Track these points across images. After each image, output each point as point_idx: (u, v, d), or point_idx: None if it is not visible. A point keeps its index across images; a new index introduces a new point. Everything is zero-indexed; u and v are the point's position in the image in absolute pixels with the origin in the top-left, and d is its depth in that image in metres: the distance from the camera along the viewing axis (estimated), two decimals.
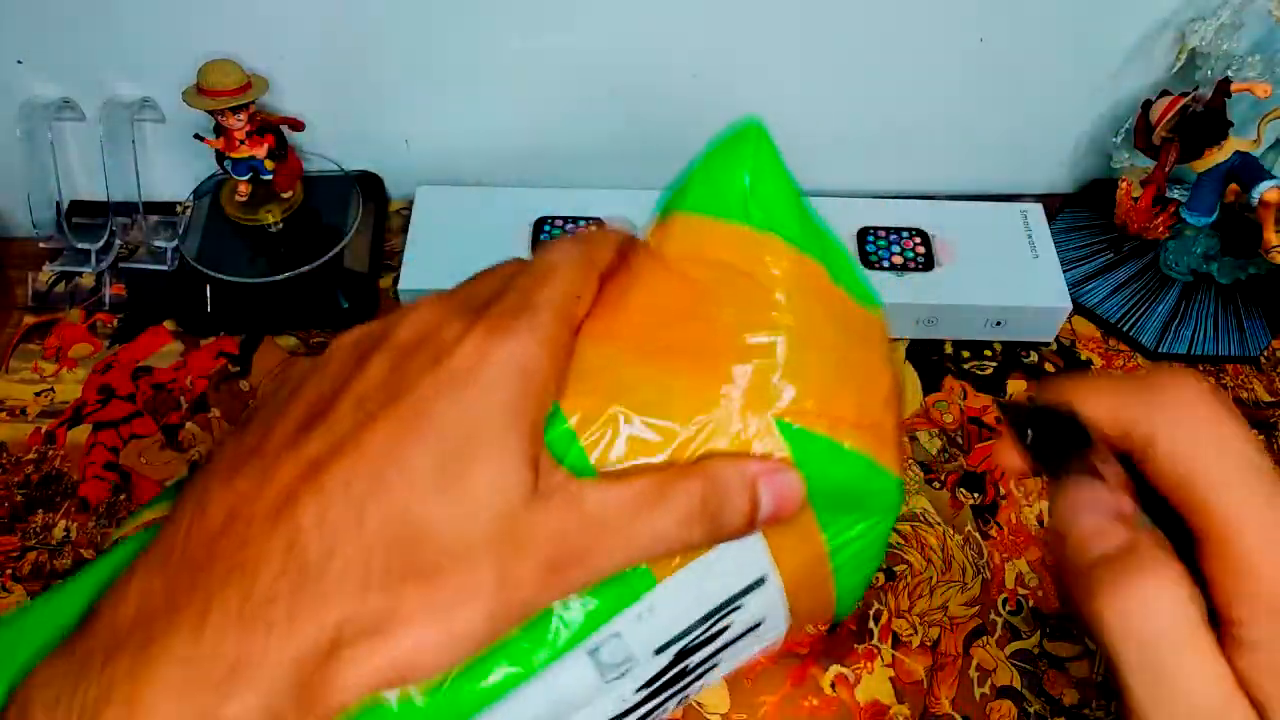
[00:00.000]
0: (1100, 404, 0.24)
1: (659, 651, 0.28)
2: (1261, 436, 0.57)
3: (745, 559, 0.28)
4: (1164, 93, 0.57)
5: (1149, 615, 0.22)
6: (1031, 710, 0.46)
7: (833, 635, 0.48)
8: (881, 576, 0.50)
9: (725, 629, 0.29)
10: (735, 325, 0.27)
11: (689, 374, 0.27)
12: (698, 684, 0.31)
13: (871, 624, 0.48)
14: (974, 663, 0.48)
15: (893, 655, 0.47)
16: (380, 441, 0.24)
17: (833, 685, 0.46)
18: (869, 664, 0.47)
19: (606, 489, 0.25)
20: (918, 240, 0.60)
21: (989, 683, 0.47)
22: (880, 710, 0.46)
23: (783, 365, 0.27)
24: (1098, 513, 0.24)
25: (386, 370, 0.25)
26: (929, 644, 0.48)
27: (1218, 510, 0.22)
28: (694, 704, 0.45)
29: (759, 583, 0.29)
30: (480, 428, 0.24)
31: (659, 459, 0.26)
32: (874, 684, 0.46)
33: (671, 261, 0.29)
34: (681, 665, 0.29)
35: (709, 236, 0.29)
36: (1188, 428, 0.23)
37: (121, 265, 0.61)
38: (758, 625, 0.30)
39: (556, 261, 0.29)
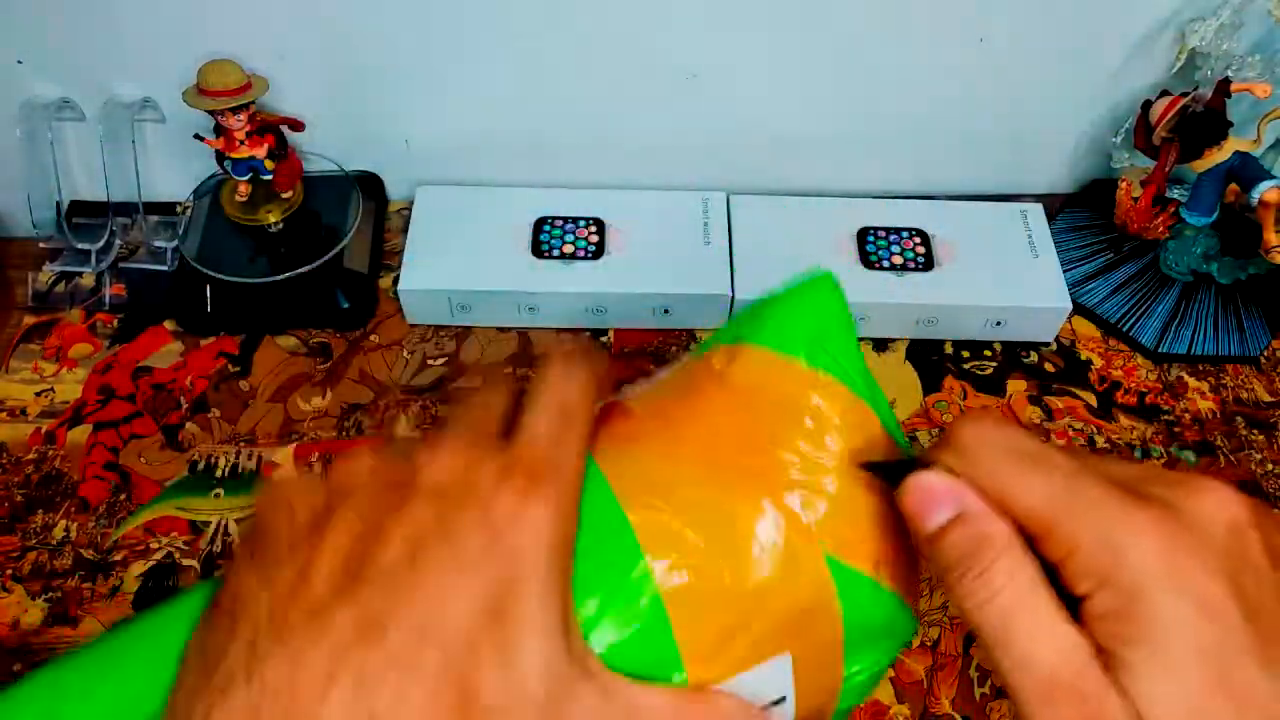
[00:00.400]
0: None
1: None
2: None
3: (774, 679, 0.29)
4: (1164, 93, 0.57)
5: (997, 591, 0.24)
6: None
7: None
8: None
9: None
10: (791, 458, 0.28)
11: (747, 499, 0.28)
12: None
13: None
14: (974, 663, 0.48)
15: None
16: (431, 603, 0.22)
17: None
18: None
19: (646, 690, 0.25)
20: (918, 240, 0.60)
21: (989, 683, 0.47)
22: (880, 710, 0.46)
23: (832, 503, 0.28)
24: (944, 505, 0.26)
25: (431, 518, 0.24)
26: (929, 644, 0.48)
27: (1023, 505, 0.24)
28: None
29: (778, 702, 0.29)
30: (526, 591, 0.23)
31: (715, 582, 0.27)
32: None
33: (737, 389, 0.30)
34: None
35: (775, 371, 0.30)
36: (971, 454, 0.26)
37: (121, 265, 0.61)
38: None
39: (574, 405, 0.27)
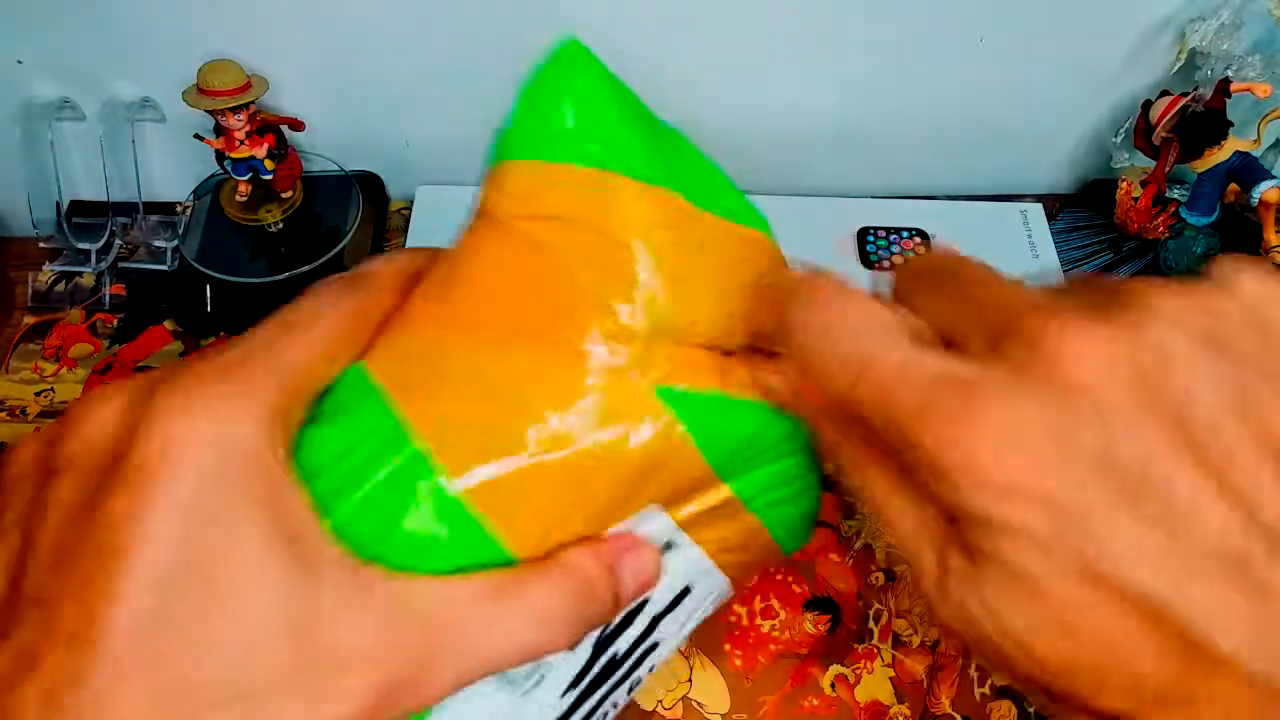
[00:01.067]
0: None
1: (571, 647, 0.25)
2: None
3: (646, 532, 0.26)
4: (1164, 93, 0.57)
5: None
6: (1031, 710, 0.46)
7: (833, 636, 0.48)
8: (882, 576, 0.50)
9: (643, 604, 0.27)
10: (590, 290, 0.24)
11: (548, 359, 0.23)
12: (644, 666, 0.29)
13: (871, 624, 0.48)
14: (974, 663, 0.48)
15: (893, 655, 0.47)
16: (80, 621, 0.18)
17: (833, 685, 0.46)
18: (869, 664, 0.47)
19: (440, 585, 0.21)
20: (918, 240, 0.60)
21: (989, 683, 0.47)
22: (880, 710, 0.46)
23: (651, 326, 0.24)
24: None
25: (73, 500, 0.19)
26: (929, 644, 0.48)
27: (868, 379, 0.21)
28: (694, 704, 0.45)
29: (667, 548, 0.27)
30: (204, 544, 0.19)
31: (525, 462, 0.23)
32: (874, 684, 0.46)
33: (507, 221, 0.25)
34: (609, 654, 0.27)
35: (544, 185, 0.25)
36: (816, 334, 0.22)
37: (121, 265, 0.61)
38: (686, 591, 0.28)
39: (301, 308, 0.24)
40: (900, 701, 0.46)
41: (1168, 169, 0.58)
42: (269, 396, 0.21)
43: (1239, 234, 0.60)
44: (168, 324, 0.59)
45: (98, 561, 0.18)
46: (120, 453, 0.19)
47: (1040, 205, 0.63)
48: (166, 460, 0.19)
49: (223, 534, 0.19)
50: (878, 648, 0.48)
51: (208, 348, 0.24)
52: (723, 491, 0.27)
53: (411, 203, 0.61)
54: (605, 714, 0.28)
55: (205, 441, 0.19)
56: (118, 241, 0.61)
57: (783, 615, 0.48)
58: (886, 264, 0.59)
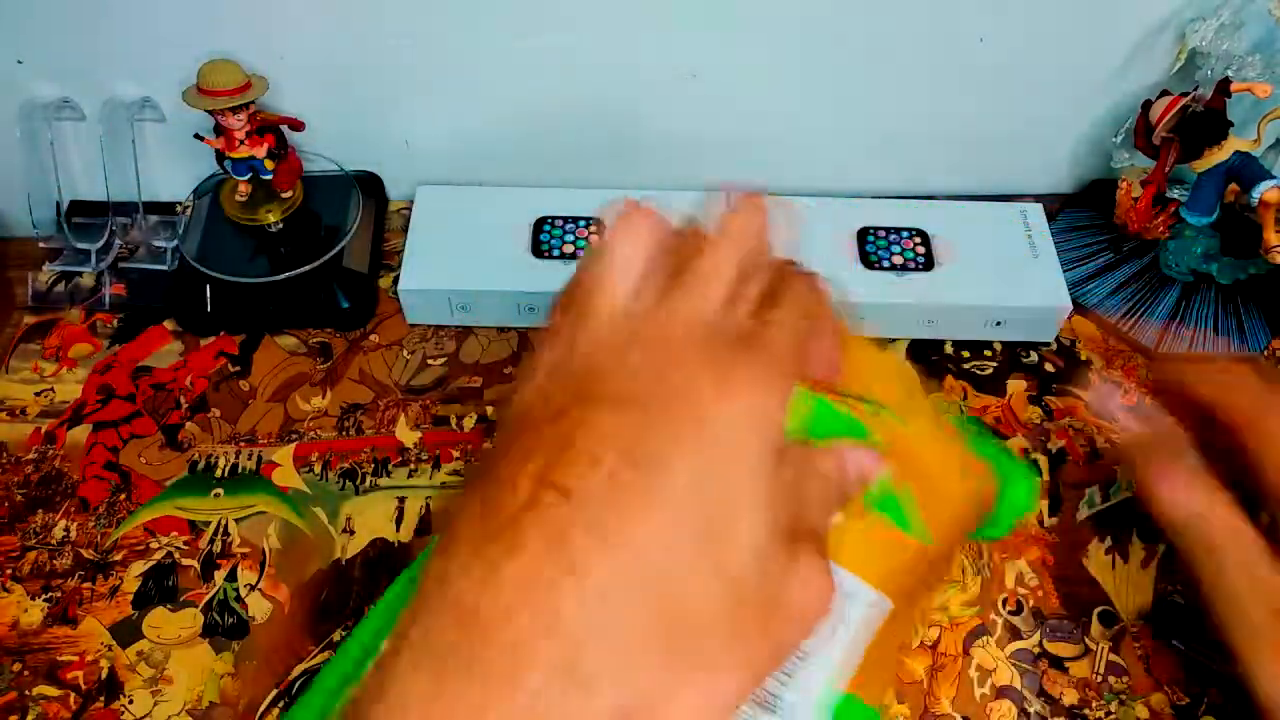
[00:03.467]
0: (1222, 391, 0.33)
1: None
2: None
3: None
4: (1164, 93, 0.57)
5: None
6: (1031, 710, 0.46)
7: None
8: None
9: None
10: None
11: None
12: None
13: None
14: (974, 663, 0.48)
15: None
16: (637, 513, 0.23)
17: None
18: None
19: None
20: (918, 240, 0.60)
21: (989, 683, 0.47)
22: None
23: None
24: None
25: (636, 419, 0.24)
26: (929, 644, 0.48)
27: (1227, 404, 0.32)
28: None
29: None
30: (733, 493, 0.24)
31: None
32: None
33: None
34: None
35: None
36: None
37: (121, 265, 0.61)
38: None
39: (802, 290, 0.30)
40: (900, 701, 0.46)
41: (1168, 169, 0.58)
42: (794, 374, 0.28)
43: (1239, 234, 0.60)
44: (168, 324, 0.59)
45: (654, 492, 0.24)
46: (693, 411, 0.25)
47: (1040, 205, 0.63)
48: (734, 430, 0.25)
49: (749, 497, 0.25)
50: None
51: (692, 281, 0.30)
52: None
53: (411, 203, 0.61)
54: None
55: (760, 416, 0.26)
56: (118, 241, 0.61)
57: None
58: (887, 264, 0.59)
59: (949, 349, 0.60)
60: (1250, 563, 0.33)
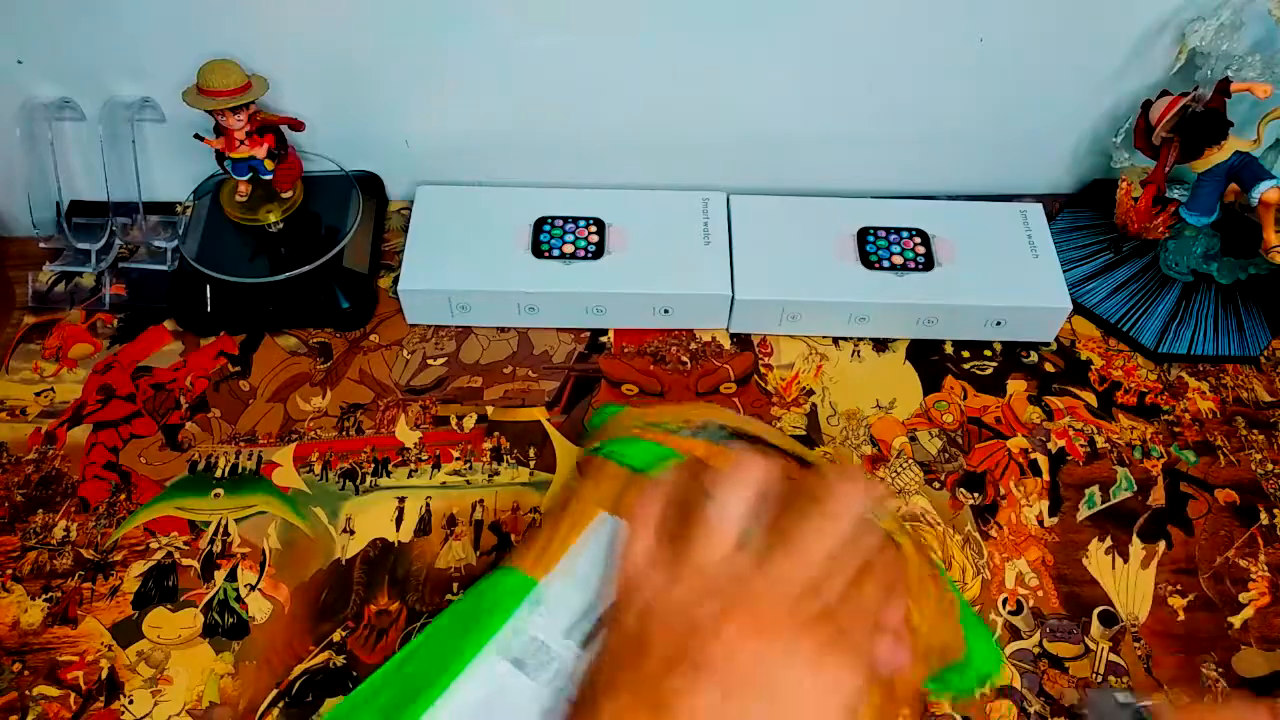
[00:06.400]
0: None
1: (568, 635, 0.35)
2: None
3: None
4: (1164, 93, 0.57)
5: None
6: (1031, 710, 0.46)
7: None
8: None
9: None
10: None
11: None
12: None
13: None
14: None
15: None
16: None
17: None
18: None
19: None
20: (918, 240, 0.60)
21: (989, 683, 0.47)
22: None
23: None
24: None
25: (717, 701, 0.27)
26: None
27: None
28: None
29: None
30: None
31: None
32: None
33: None
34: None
35: None
36: None
37: (121, 265, 0.61)
38: None
39: (895, 581, 0.32)
40: None
41: (1168, 169, 0.58)
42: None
43: (1239, 234, 0.60)
44: (168, 324, 0.59)
45: None
46: (774, 692, 0.27)
47: (1040, 205, 0.63)
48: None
49: None
50: None
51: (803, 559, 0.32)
52: None
53: (411, 203, 0.61)
54: None
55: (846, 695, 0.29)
56: (118, 241, 0.61)
57: None
58: (887, 264, 0.59)
59: (949, 349, 0.60)
60: None
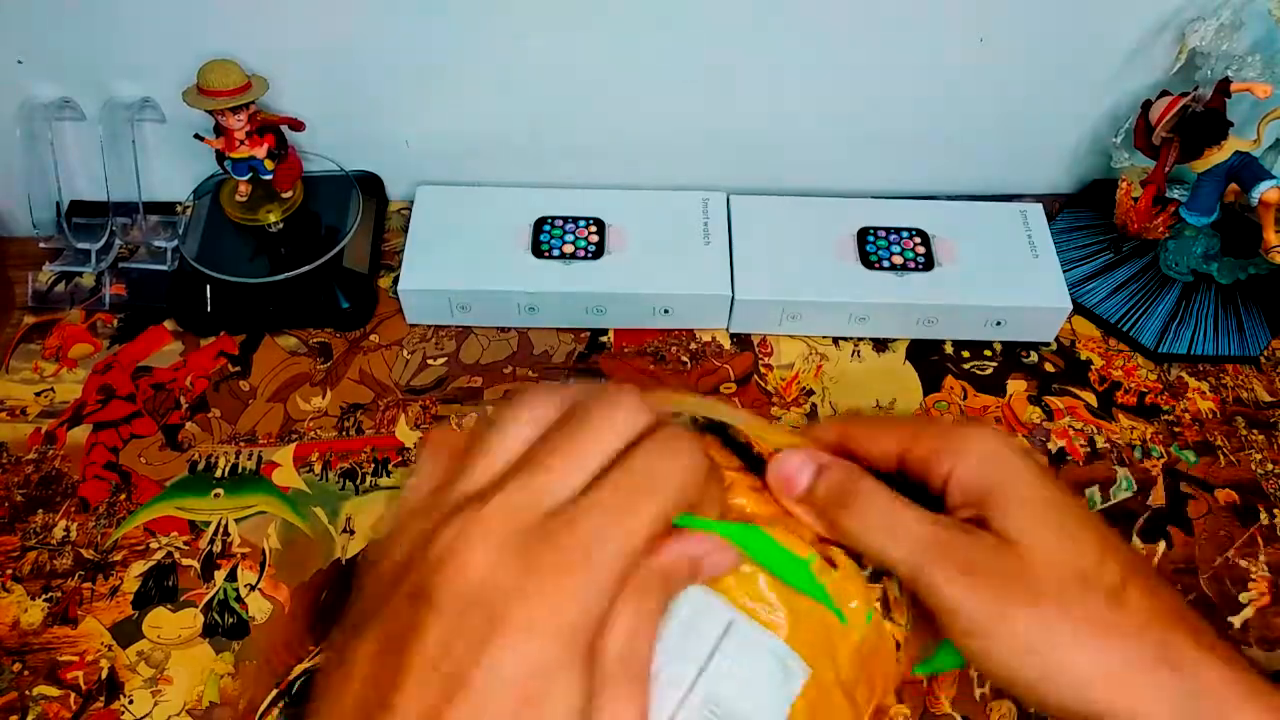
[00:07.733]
0: (896, 443, 0.31)
1: None
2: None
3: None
4: (1164, 93, 0.57)
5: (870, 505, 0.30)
6: (1031, 711, 0.46)
7: None
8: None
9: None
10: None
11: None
12: None
13: None
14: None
15: None
16: None
17: None
18: None
19: None
20: (918, 240, 0.60)
21: (989, 683, 0.47)
22: (880, 710, 0.46)
23: None
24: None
25: (444, 636, 0.24)
26: None
27: (1003, 518, 0.29)
28: None
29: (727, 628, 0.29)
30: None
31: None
32: None
33: None
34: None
35: None
36: (981, 463, 0.30)
37: (121, 265, 0.61)
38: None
39: (662, 473, 0.26)
40: (900, 701, 0.46)
41: (1168, 169, 0.58)
42: (617, 576, 0.26)
43: (1239, 234, 0.60)
44: (168, 324, 0.59)
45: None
46: (495, 619, 0.24)
47: (1040, 205, 0.63)
48: (536, 647, 0.24)
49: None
50: None
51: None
52: None
53: (411, 203, 0.61)
54: None
55: (562, 632, 0.25)
56: (118, 241, 0.61)
57: None
58: (887, 264, 0.59)
59: (949, 349, 0.60)
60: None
